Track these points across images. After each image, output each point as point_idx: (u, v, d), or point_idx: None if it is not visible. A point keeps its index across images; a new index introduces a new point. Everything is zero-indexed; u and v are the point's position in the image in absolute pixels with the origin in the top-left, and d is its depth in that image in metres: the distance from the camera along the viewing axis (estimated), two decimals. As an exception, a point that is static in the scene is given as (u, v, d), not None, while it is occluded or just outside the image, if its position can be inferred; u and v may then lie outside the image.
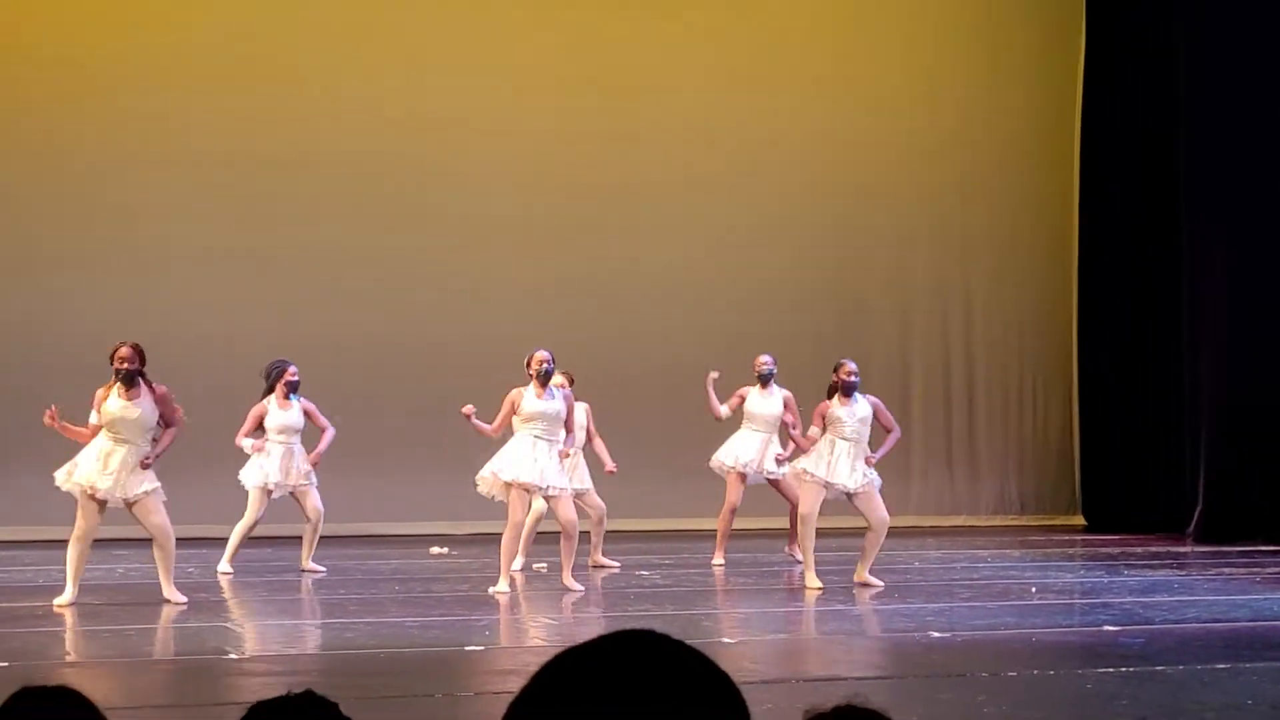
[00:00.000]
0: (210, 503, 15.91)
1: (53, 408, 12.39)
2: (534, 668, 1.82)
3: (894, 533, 16.18)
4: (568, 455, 13.68)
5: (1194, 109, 18.72)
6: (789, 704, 7.99)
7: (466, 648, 10.75)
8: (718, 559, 15.60)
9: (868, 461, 13.76)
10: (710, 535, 16.02)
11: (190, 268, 18.26)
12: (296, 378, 14.69)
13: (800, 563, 15.01)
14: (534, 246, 19.21)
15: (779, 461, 15.19)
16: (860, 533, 14.23)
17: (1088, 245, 20.74)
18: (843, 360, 14.01)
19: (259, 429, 14.67)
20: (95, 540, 12.56)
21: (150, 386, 12.41)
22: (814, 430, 13.90)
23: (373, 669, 9.93)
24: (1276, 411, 18.15)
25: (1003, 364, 20.86)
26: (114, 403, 12.35)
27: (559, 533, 13.52)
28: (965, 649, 10.72)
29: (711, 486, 16.81)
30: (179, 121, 18.36)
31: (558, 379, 14.61)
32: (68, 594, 12.25)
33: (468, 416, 13.22)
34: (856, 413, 13.78)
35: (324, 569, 14.81)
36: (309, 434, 14.78)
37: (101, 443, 12.31)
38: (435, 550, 16.44)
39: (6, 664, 9.51)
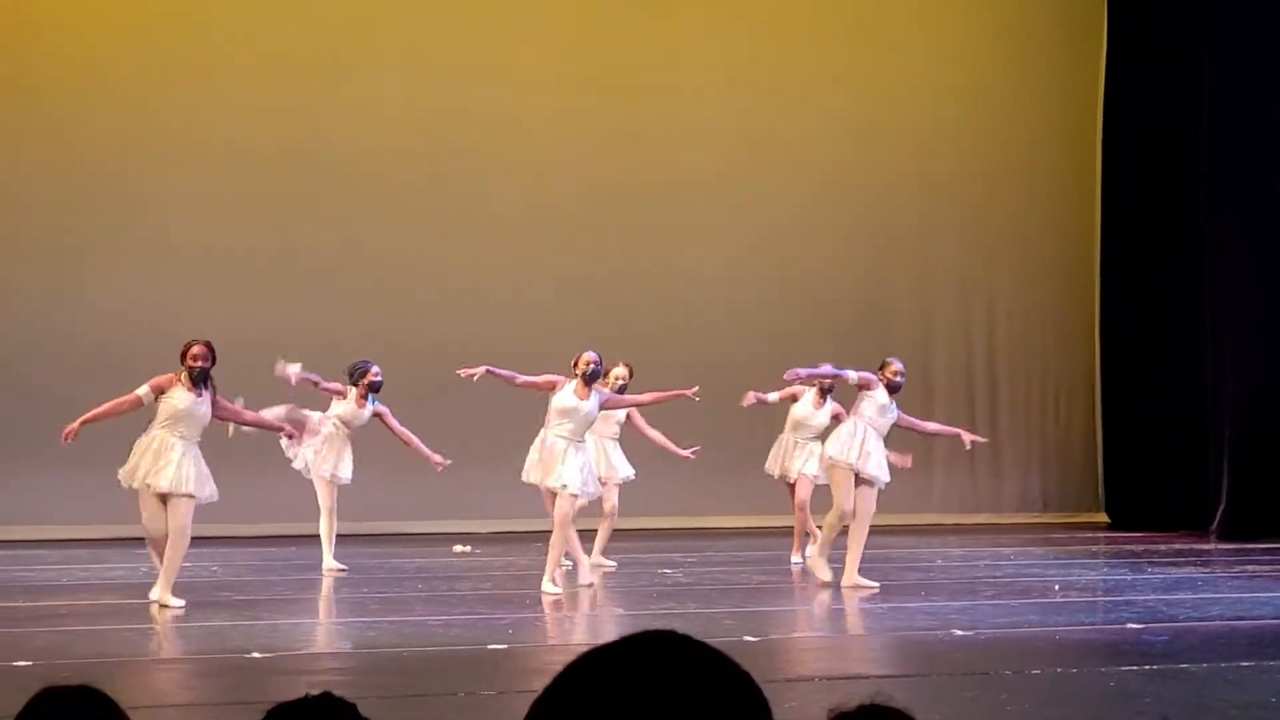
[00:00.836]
0: (225, 501, 15.95)
1: (71, 429, 12.29)
2: (557, 667, 1.82)
3: (916, 531, 16.22)
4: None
5: (1216, 109, 18.68)
6: (812, 703, 7.99)
7: (489, 646, 10.76)
8: (796, 557, 15.52)
9: (899, 465, 13.83)
10: (724, 533, 15.99)
11: (195, 265, 18.26)
12: (380, 379, 14.76)
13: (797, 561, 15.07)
14: (556, 244, 19.21)
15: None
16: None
17: (1110, 244, 20.70)
18: (890, 359, 14.02)
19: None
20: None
21: (213, 390, 12.35)
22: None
23: (396, 668, 9.94)
24: (1300, 409, 18.12)
25: (1025, 362, 20.83)
26: (182, 398, 12.20)
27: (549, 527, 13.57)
28: (988, 647, 10.70)
29: (731, 485, 16.83)
30: (183, 119, 18.36)
31: (620, 369, 14.68)
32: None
33: (472, 376, 13.34)
34: (889, 408, 13.80)
35: (346, 568, 14.84)
36: (376, 437, 14.88)
37: (164, 438, 12.18)
38: (458, 549, 16.44)
39: (30, 663, 9.53)
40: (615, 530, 15.41)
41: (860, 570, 13.68)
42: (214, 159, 18.40)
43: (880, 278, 20.21)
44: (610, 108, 19.56)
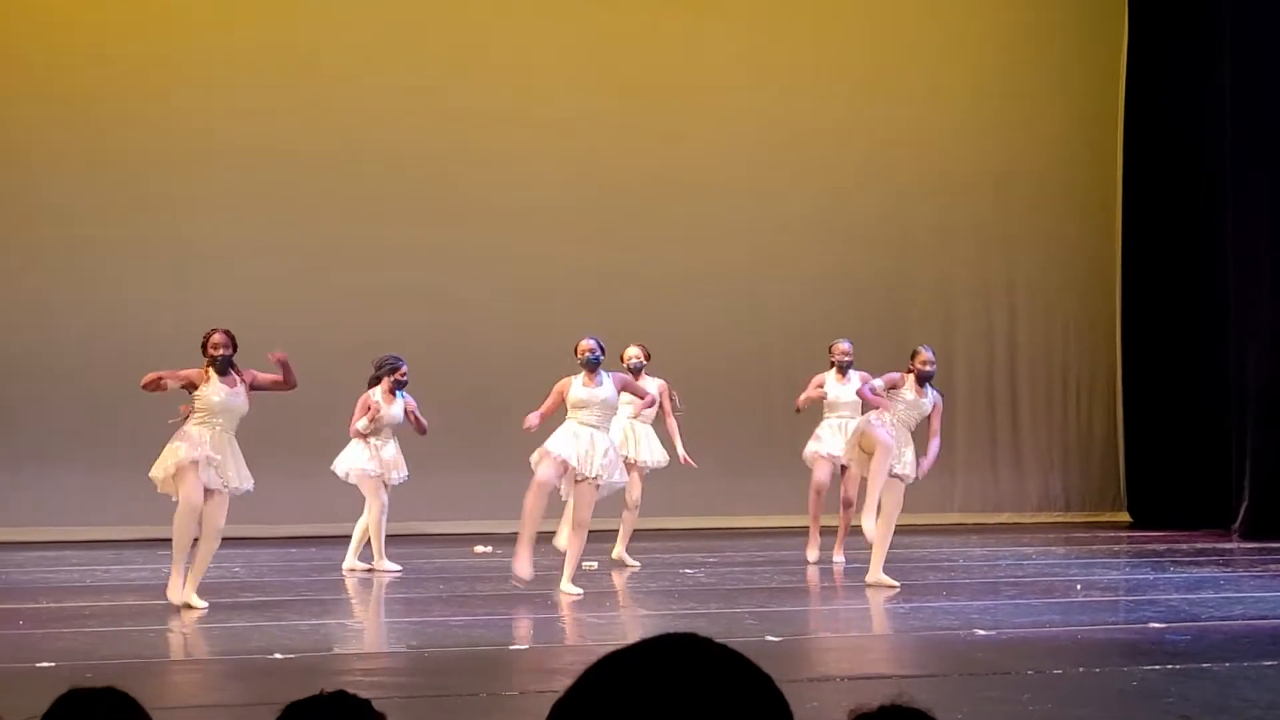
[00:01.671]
0: (248, 501, 15.99)
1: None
2: (578, 668, 1.82)
3: (938, 530, 16.20)
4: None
5: (1239, 102, 18.61)
6: (834, 703, 7.99)
7: (510, 647, 10.77)
8: (838, 556, 15.42)
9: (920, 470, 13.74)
10: (745, 533, 15.99)
11: (228, 266, 18.27)
12: (406, 377, 14.83)
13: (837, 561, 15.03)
14: (578, 243, 19.20)
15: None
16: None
17: (1131, 240, 20.66)
18: (919, 348, 13.99)
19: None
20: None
21: (239, 372, 12.34)
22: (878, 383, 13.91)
23: (417, 668, 9.97)
24: (1323, 407, 18.06)
25: (1046, 360, 20.80)
26: (215, 393, 12.15)
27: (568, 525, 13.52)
28: (1010, 647, 10.69)
29: (752, 484, 16.82)
30: (213, 124, 18.36)
31: (633, 350, 14.65)
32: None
33: (530, 429, 13.08)
34: (920, 402, 13.78)
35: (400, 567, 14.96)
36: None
37: (203, 434, 12.17)
38: (479, 549, 16.45)
39: (54, 664, 9.57)
40: (635, 530, 15.40)
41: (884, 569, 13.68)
42: (245, 162, 18.39)
43: (900, 276, 20.19)
44: (631, 108, 19.57)
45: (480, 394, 18.19)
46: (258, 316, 18.15)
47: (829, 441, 15.33)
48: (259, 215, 18.51)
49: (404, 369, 14.81)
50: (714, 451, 17.84)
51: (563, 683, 1.81)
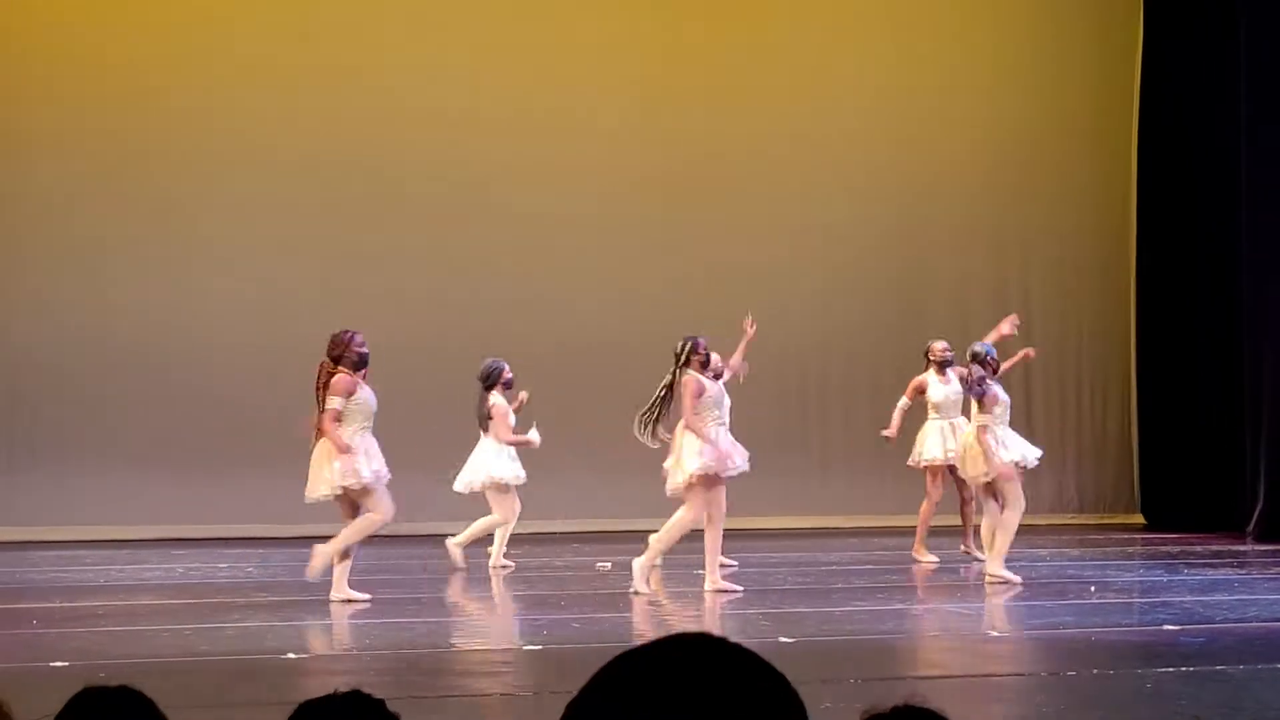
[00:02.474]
0: (262, 502, 16.01)
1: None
2: (593, 667, 1.82)
3: (952, 531, 16.16)
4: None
5: (1255, 103, 18.56)
6: (847, 704, 7.98)
7: (525, 647, 10.78)
8: (929, 556, 15.47)
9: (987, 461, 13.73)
10: (760, 534, 15.94)
11: (232, 267, 18.30)
12: (511, 375, 14.93)
13: (978, 559, 14.97)
14: (594, 249, 19.22)
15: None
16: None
17: (1146, 243, 20.63)
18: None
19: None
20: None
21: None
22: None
23: (431, 667, 9.97)
24: (1338, 409, 18.01)
25: (1060, 362, 20.76)
26: (369, 393, 12.30)
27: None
28: (1024, 648, 10.69)
29: (768, 486, 16.76)
30: (215, 122, 18.40)
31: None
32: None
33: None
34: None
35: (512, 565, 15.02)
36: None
37: (362, 438, 12.25)
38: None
39: (68, 664, 9.58)
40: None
41: (891, 570, 13.70)
42: (249, 163, 18.44)
43: (917, 278, 20.18)
44: (648, 110, 19.57)
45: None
46: (261, 317, 18.19)
47: (936, 445, 15.31)
48: (261, 216, 18.52)
49: (508, 370, 14.86)
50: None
51: (577, 683, 1.81)
